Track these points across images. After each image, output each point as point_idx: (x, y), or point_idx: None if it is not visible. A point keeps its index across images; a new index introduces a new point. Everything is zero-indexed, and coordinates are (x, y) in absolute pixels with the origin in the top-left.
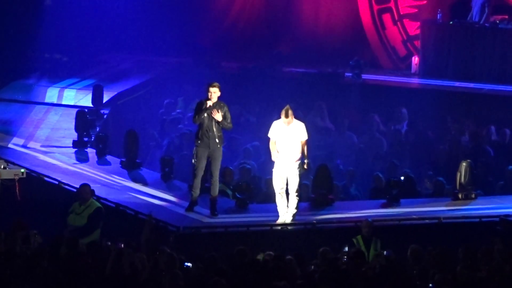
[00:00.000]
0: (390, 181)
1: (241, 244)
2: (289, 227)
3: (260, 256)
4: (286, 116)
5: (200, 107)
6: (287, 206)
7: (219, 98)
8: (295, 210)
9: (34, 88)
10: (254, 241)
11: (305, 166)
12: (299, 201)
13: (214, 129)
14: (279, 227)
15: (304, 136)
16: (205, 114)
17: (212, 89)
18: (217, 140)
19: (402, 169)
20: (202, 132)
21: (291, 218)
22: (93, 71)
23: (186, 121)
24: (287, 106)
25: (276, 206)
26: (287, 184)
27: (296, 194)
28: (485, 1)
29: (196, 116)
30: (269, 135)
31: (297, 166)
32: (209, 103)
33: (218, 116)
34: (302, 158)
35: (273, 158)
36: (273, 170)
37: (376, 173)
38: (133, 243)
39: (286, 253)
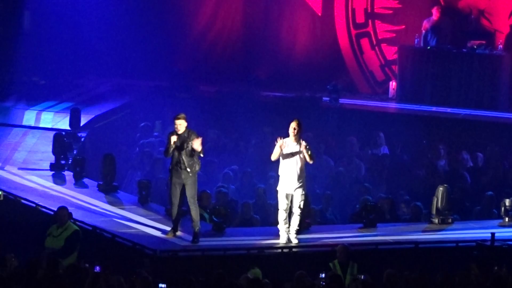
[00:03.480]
0: (366, 205)
1: (217, 268)
2: (266, 251)
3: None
4: (296, 130)
5: (169, 141)
6: (289, 225)
7: (187, 127)
8: (297, 228)
9: (11, 110)
10: (231, 265)
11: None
12: (301, 220)
13: (185, 161)
14: (256, 251)
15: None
16: (174, 147)
17: (177, 122)
18: (188, 170)
19: (377, 194)
20: (173, 164)
21: (295, 236)
22: (70, 94)
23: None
24: (297, 121)
25: (253, 228)
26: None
27: (300, 212)
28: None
29: (166, 151)
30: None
31: (302, 185)
32: (173, 138)
33: (196, 144)
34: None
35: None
36: (278, 188)
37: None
38: (110, 266)
39: (263, 277)
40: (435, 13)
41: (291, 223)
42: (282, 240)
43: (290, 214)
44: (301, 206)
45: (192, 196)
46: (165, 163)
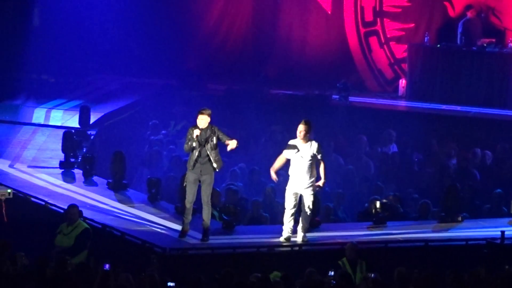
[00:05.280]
0: (376, 203)
1: (227, 266)
2: (276, 249)
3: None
4: (303, 134)
5: (190, 135)
6: (294, 225)
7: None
8: (306, 227)
9: (21, 108)
10: (241, 263)
11: (321, 184)
12: (310, 218)
13: (207, 155)
14: (265, 249)
15: (319, 155)
16: (196, 142)
17: (200, 116)
18: (214, 165)
19: (387, 192)
20: (193, 158)
21: (303, 235)
22: (80, 92)
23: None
24: (304, 123)
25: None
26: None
27: (309, 211)
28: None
29: (186, 144)
30: (284, 154)
31: (311, 185)
32: (196, 132)
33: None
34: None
35: (272, 174)
36: (287, 187)
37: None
38: (119, 264)
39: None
40: (470, 14)
41: (300, 222)
42: (282, 237)
43: (299, 212)
44: (311, 206)
45: (207, 196)
46: (181, 161)
